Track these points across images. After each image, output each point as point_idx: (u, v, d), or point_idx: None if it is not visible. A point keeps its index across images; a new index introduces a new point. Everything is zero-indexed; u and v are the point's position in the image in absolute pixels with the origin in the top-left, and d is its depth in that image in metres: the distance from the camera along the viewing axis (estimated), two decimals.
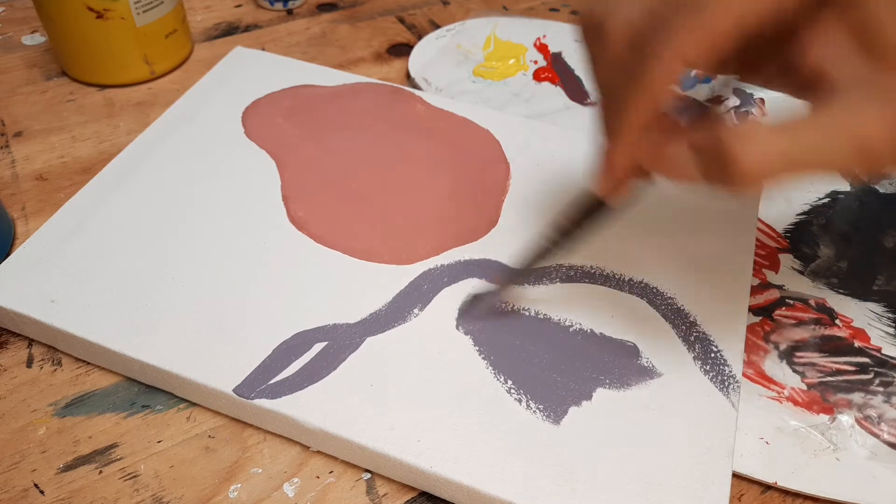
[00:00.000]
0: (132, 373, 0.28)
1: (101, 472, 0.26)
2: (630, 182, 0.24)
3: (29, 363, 0.29)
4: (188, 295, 0.29)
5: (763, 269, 0.34)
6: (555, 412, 0.26)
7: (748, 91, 0.45)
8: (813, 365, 0.30)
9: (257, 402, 0.26)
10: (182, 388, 0.28)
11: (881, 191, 0.38)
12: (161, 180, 0.34)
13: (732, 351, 0.28)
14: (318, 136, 0.37)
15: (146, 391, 0.29)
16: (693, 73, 0.46)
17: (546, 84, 0.45)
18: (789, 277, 0.34)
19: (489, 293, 0.30)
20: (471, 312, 0.29)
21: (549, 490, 0.24)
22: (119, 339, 0.28)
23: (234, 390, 0.26)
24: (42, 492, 0.25)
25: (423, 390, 0.27)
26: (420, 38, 0.49)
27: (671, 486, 0.24)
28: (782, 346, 0.31)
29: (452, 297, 0.30)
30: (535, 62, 0.46)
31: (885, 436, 0.28)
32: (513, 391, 0.27)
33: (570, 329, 0.29)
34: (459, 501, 0.25)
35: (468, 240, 0.32)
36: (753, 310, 0.32)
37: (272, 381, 0.27)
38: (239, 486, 0.26)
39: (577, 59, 0.47)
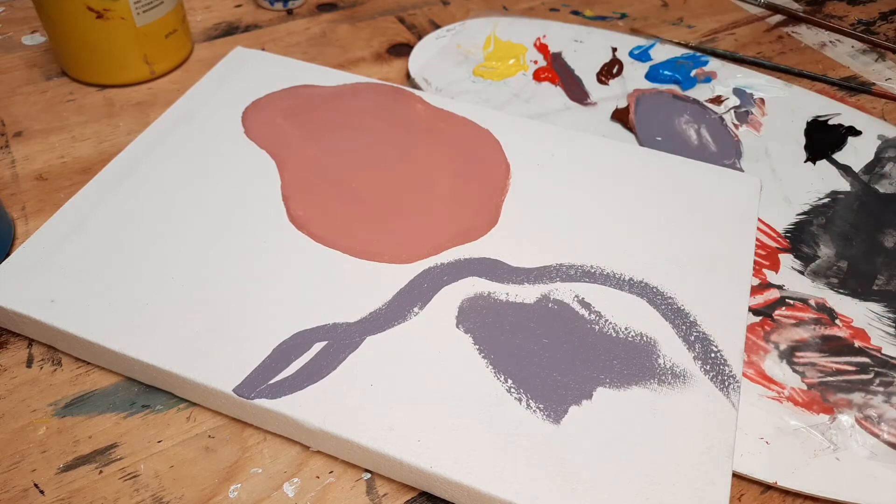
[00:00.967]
0: (132, 373, 0.28)
1: (101, 472, 0.26)
2: None
3: (29, 363, 0.29)
4: (188, 295, 0.29)
5: (763, 269, 0.34)
6: (555, 412, 0.26)
7: (748, 91, 0.45)
8: (813, 365, 0.30)
9: (257, 402, 0.26)
10: (182, 388, 0.28)
11: (881, 191, 0.38)
12: (161, 180, 0.34)
13: (732, 351, 0.28)
14: (318, 136, 0.37)
15: (146, 391, 0.29)
16: (693, 72, 0.46)
17: (546, 84, 0.45)
18: (789, 277, 0.34)
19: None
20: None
21: (549, 490, 0.24)
22: (119, 339, 0.28)
23: (234, 390, 0.26)
24: (42, 492, 0.25)
25: (423, 390, 0.27)
26: (420, 38, 0.49)
27: (671, 486, 0.24)
28: (782, 346, 0.31)
29: (452, 295, 0.30)
30: (535, 62, 0.46)
31: (885, 436, 0.28)
32: (513, 390, 0.27)
33: (571, 328, 0.29)
34: (459, 501, 0.25)
35: (468, 239, 0.32)
36: (753, 310, 0.32)
37: (272, 381, 0.27)
38: (239, 486, 0.26)
39: (576, 59, 0.47)
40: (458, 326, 0.29)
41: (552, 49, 0.47)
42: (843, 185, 0.38)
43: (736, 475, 0.27)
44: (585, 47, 0.48)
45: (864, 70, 0.48)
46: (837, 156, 0.40)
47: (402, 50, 0.48)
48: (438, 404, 0.26)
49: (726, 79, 0.46)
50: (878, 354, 0.31)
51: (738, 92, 0.44)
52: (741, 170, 0.39)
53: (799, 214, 0.37)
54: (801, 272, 0.34)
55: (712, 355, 0.28)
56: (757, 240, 0.35)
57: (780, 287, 0.33)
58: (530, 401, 0.26)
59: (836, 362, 0.30)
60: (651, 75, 0.46)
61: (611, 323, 0.29)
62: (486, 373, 0.27)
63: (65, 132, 0.40)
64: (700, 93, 0.44)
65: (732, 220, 0.34)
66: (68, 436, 0.27)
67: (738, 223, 0.33)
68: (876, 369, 0.30)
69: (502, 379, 0.27)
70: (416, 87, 0.44)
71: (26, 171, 0.38)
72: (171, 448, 0.27)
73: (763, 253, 0.35)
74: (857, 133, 0.42)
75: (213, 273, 0.30)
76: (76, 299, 0.29)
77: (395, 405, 0.26)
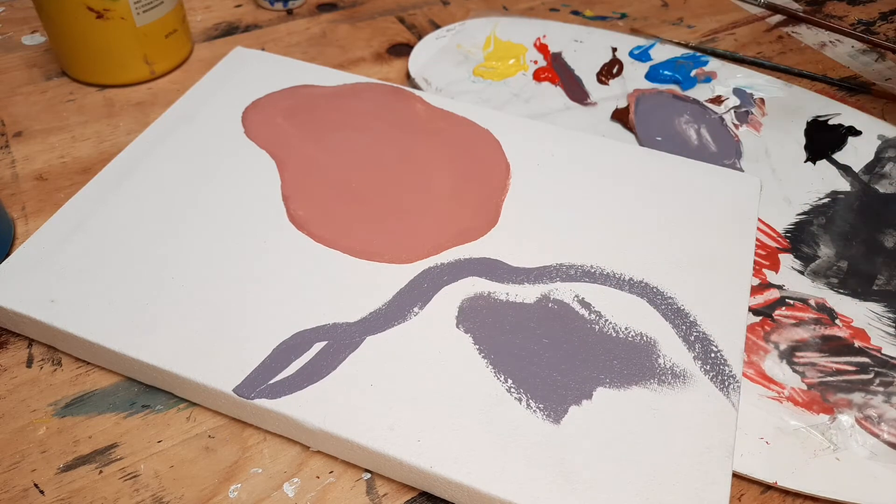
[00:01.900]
0: (132, 373, 0.28)
1: (101, 472, 0.26)
2: None
3: (29, 363, 0.29)
4: (188, 295, 0.29)
5: (763, 269, 0.34)
6: (555, 411, 0.26)
7: (748, 91, 0.45)
8: (813, 365, 0.30)
9: (257, 402, 0.26)
10: (182, 388, 0.28)
11: (881, 191, 0.38)
12: (161, 180, 0.34)
13: (732, 351, 0.28)
14: (318, 135, 0.37)
15: (146, 391, 0.29)
16: (693, 72, 0.46)
17: (546, 84, 0.45)
18: (789, 277, 0.34)
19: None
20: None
21: (550, 490, 0.24)
22: (119, 339, 0.28)
23: (234, 390, 0.26)
24: (42, 492, 0.25)
25: (423, 390, 0.27)
26: (420, 38, 0.49)
27: (671, 486, 0.24)
28: (782, 346, 0.31)
29: (452, 295, 0.30)
30: (535, 62, 0.46)
31: (885, 436, 0.28)
32: (513, 390, 0.27)
33: (571, 328, 0.29)
34: (459, 501, 0.25)
35: (468, 239, 0.32)
36: (753, 310, 0.32)
37: (272, 381, 0.27)
38: (239, 486, 0.26)
39: (576, 59, 0.47)
40: (458, 326, 0.29)
41: (552, 49, 0.47)
42: (843, 185, 0.38)
43: (736, 475, 0.27)
44: (585, 47, 0.48)
45: (864, 70, 0.48)
46: (837, 156, 0.40)
47: (402, 50, 0.48)
48: (438, 404, 0.26)
49: (726, 79, 0.46)
50: (878, 354, 0.31)
51: (738, 92, 0.44)
52: (741, 170, 0.39)
53: (799, 214, 0.37)
54: (801, 272, 0.34)
55: (712, 355, 0.28)
56: (757, 240, 0.35)
57: (780, 287, 0.33)
58: (530, 401, 0.26)
59: (836, 362, 0.30)
60: (651, 75, 0.46)
61: (611, 323, 0.29)
62: (486, 373, 0.27)
63: (65, 132, 0.40)
64: (700, 93, 0.44)
65: (732, 220, 0.34)
66: (68, 436, 0.27)
67: (738, 223, 0.33)
68: (876, 369, 0.30)
69: (502, 379, 0.27)
70: (416, 87, 0.44)
71: (26, 171, 0.38)
72: (171, 448, 0.27)
73: (763, 253, 0.35)
74: (857, 133, 0.42)
75: (213, 273, 0.30)
76: (76, 299, 0.29)
77: (395, 405, 0.26)
